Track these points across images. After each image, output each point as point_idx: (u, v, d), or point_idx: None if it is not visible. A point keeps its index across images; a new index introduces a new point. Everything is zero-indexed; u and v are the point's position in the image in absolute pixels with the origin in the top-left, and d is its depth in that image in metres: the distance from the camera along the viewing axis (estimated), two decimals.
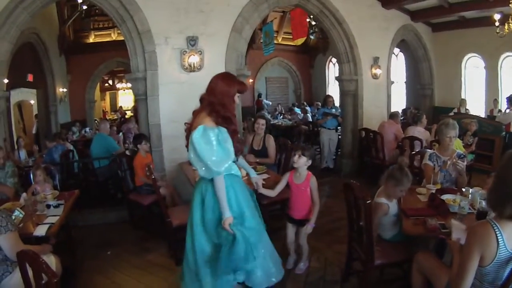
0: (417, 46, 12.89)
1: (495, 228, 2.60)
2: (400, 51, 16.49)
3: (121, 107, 24.29)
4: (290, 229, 5.03)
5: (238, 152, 3.89)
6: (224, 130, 3.68)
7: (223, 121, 3.69)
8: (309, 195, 4.87)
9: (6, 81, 7.16)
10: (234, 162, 3.91)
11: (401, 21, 11.44)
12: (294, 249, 5.19)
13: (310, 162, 4.80)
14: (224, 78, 3.82)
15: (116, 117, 22.06)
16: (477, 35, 12.46)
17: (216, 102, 3.69)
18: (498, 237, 2.58)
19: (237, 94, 3.81)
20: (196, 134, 3.58)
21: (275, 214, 6.37)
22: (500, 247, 2.58)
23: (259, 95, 20.85)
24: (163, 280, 5.16)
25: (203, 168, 3.63)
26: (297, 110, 17.64)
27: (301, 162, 4.73)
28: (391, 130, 9.19)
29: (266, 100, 21.01)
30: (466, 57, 13.61)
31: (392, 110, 10.85)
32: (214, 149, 3.57)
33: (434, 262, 3.48)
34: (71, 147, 9.59)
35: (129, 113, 21.38)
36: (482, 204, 3.93)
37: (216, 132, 3.61)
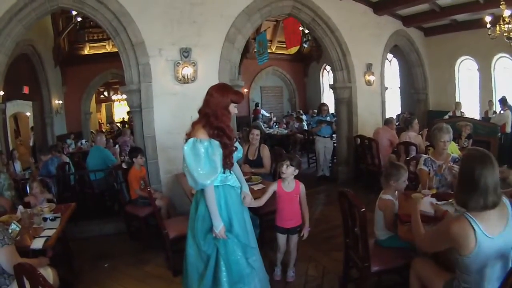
0: (410, 51, 12.96)
1: (471, 221, 2.77)
2: (394, 56, 16.56)
3: (112, 121, 24.23)
4: (282, 240, 5.00)
5: (228, 166, 3.87)
6: (215, 143, 3.71)
7: (216, 133, 3.72)
8: (298, 202, 4.90)
9: (1, 93, 7.17)
10: (230, 173, 3.97)
11: (393, 27, 11.53)
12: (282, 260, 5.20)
13: (297, 171, 4.83)
14: (218, 89, 3.87)
15: (110, 129, 21.93)
16: (469, 38, 12.51)
17: (210, 114, 3.75)
18: (474, 226, 2.74)
19: (234, 104, 3.85)
20: (187, 147, 3.66)
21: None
22: (478, 234, 2.73)
23: (256, 105, 20.83)
24: None
25: (191, 180, 3.68)
26: (304, 117, 17.56)
27: (290, 171, 4.77)
28: (386, 136, 9.17)
29: (263, 110, 20.90)
30: (459, 60, 13.69)
31: (387, 116, 10.86)
32: (202, 163, 3.63)
33: (431, 268, 3.49)
34: (67, 160, 9.58)
35: (119, 126, 21.25)
36: None
37: (205, 145, 3.65)
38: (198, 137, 3.68)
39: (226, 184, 3.93)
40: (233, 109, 3.87)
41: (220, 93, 3.82)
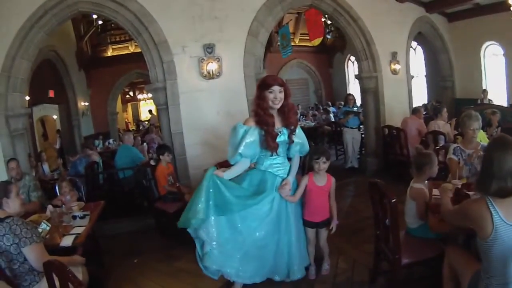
0: (434, 38, 12.78)
1: (489, 204, 2.78)
2: (418, 44, 16.34)
3: (140, 120, 24.48)
4: (312, 233, 4.90)
5: (270, 148, 4.27)
6: (255, 129, 4.22)
7: (256, 120, 4.24)
8: (328, 195, 4.85)
9: (27, 98, 7.26)
10: (283, 163, 4.50)
11: (416, 14, 11.34)
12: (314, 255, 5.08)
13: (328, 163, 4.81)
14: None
15: (134, 128, 22.23)
16: (493, 22, 12.20)
17: (253, 103, 4.42)
18: (491, 209, 2.75)
19: (269, 90, 4.22)
20: (231, 129, 4.28)
21: None
22: (495, 218, 2.72)
23: None
24: (190, 285, 5.21)
25: None
26: (331, 109, 17.53)
27: (325, 167, 4.73)
28: (414, 126, 9.08)
29: None
30: (484, 46, 13.38)
31: (414, 105, 10.79)
32: (235, 144, 4.18)
33: (463, 256, 3.46)
34: (97, 159, 9.66)
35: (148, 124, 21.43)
36: None
37: (244, 129, 4.20)
38: (246, 122, 4.27)
39: (268, 171, 4.42)
40: (268, 95, 4.22)
41: (258, 81, 4.54)
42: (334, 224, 4.85)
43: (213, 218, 4.16)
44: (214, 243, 4.20)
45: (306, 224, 4.85)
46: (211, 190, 4.12)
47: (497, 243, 2.73)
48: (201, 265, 4.32)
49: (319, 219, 4.83)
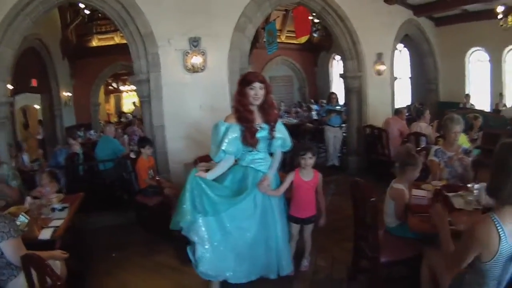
0: (421, 41, 12.83)
1: (496, 223, 2.54)
2: (404, 46, 16.43)
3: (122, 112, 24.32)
4: (296, 229, 4.93)
5: (248, 143, 4.23)
6: (235, 127, 4.19)
7: (239, 117, 4.21)
8: (314, 191, 4.87)
9: (10, 87, 7.15)
10: (263, 157, 4.46)
11: (404, 16, 11.36)
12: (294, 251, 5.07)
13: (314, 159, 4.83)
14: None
15: (116, 120, 22.12)
16: (480, 29, 12.33)
17: (234, 99, 4.45)
18: (500, 233, 2.51)
19: (249, 87, 4.20)
20: (213, 127, 4.27)
21: None
22: (502, 243, 2.51)
23: None
24: (172, 281, 5.16)
25: None
26: (315, 107, 17.66)
27: (311, 162, 4.76)
28: (396, 127, 9.13)
29: None
30: (470, 51, 13.55)
31: (398, 106, 10.83)
32: (218, 142, 4.16)
33: (443, 258, 3.37)
34: (78, 150, 9.57)
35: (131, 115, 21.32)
36: (488, 200, 3.73)
37: (226, 127, 4.18)
38: (227, 119, 4.25)
39: (250, 166, 4.38)
40: (249, 91, 4.20)
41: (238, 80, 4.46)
42: (322, 220, 4.96)
43: (200, 219, 4.14)
44: (207, 245, 4.17)
45: (292, 219, 4.86)
46: (195, 192, 4.10)
47: (498, 265, 2.60)
48: (197, 271, 4.25)
49: (305, 215, 4.87)
